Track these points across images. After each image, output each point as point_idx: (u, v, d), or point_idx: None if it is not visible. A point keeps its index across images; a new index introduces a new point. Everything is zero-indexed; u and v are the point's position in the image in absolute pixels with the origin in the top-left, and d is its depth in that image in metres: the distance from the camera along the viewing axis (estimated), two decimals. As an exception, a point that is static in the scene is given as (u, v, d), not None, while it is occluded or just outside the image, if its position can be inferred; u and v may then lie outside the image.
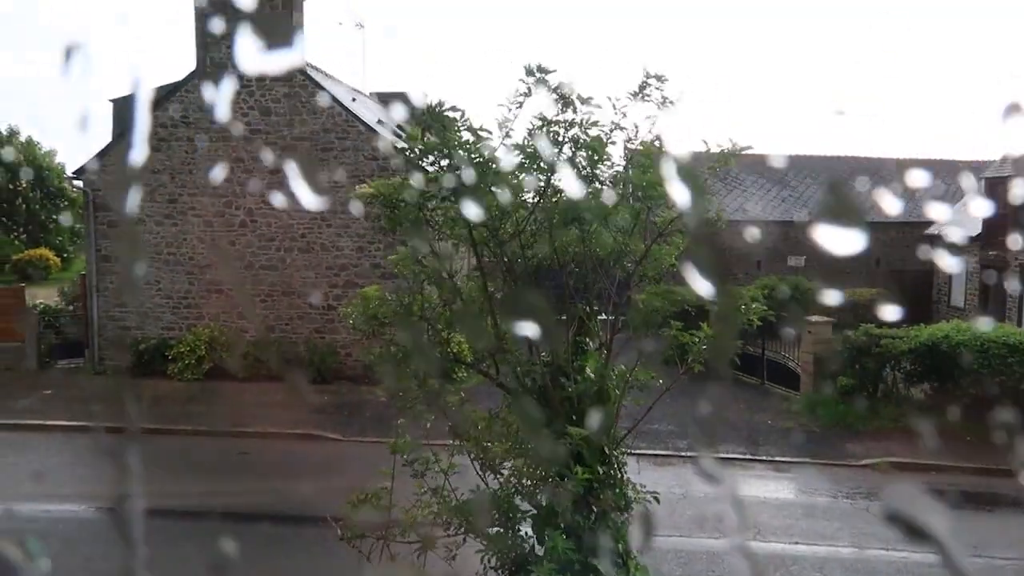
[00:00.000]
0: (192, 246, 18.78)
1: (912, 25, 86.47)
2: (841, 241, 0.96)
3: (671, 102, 5.62)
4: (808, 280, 21.93)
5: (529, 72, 5.32)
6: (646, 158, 5.74)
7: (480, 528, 5.54)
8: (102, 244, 18.63)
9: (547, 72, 5.33)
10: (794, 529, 10.99)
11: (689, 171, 1.39)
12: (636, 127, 5.81)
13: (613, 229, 5.77)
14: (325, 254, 18.57)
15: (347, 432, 14.55)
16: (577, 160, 5.59)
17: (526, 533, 5.71)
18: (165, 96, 18.31)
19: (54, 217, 39.61)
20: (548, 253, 5.91)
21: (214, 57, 17.88)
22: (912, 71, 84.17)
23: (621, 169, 5.97)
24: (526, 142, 5.49)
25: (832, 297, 11.85)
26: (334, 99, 18.33)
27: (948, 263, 25.18)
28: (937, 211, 28.16)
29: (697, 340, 5.90)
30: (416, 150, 5.40)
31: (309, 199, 1.27)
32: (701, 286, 1.10)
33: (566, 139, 5.54)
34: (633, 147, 5.92)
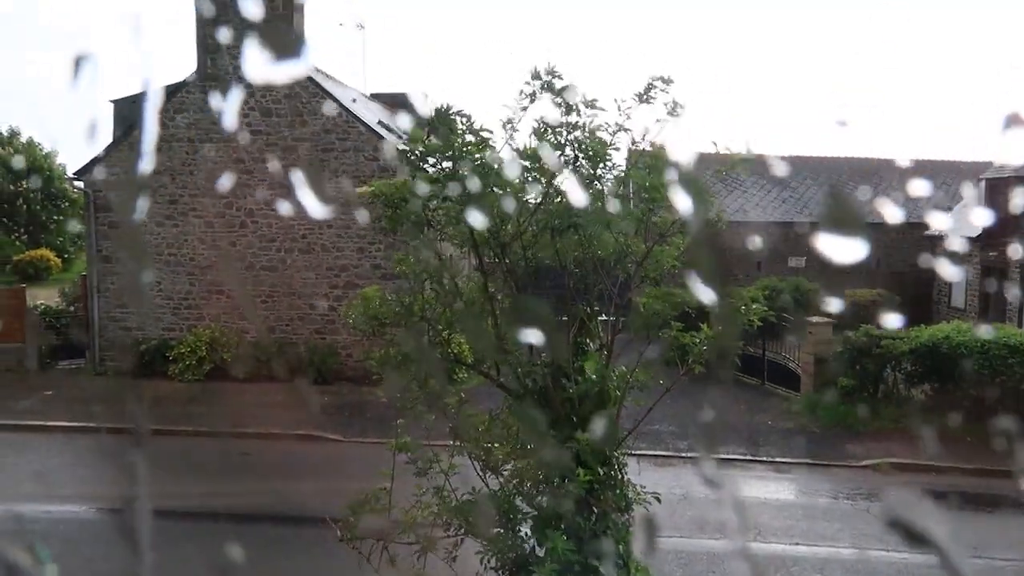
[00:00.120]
0: (193, 247, 18.79)
1: (911, 16, 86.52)
2: (843, 249, 0.97)
3: (681, 107, 5.56)
4: (809, 281, 21.94)
5: (535, 76, 5.29)
6: (649, 160, 5.72)
7: (480, 529, 5.54)
8: (103, 245, 18.64)
9: (554, 75, 5.30)
10: (794, 530, 10.99)
11: (691, 175, 1.40)
12: (645, 129, 5.76)
13: (615, 230, 5.76)
14: (326, 255, 18.58)
15: (348, 433, 14.54)
16: (579, 163, 5.57)
17: (526, 534, 5.70)
18: (166, 97, 18.28)
19: (55, 218, 39.59)
20: (549, 254, 5.91)
21: (215, 60, 17.90)
22: (912, 62, 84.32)
23: (624, 171, 5.95)
24: (528, 147, 5.47)
25: (833, 304, 11.85)
26: (335, 101, 18.34)
27: (949, 271, 25.19)
28: (938, 220, 28.23)
29: (698, 341, 5.89)
30: (418, 152, 5.39)
31: (314, 207, 1.27)
32: (701, 288, 1.11)
33: (569, 141, 5.53)
34: (636, 149, 5.90)
